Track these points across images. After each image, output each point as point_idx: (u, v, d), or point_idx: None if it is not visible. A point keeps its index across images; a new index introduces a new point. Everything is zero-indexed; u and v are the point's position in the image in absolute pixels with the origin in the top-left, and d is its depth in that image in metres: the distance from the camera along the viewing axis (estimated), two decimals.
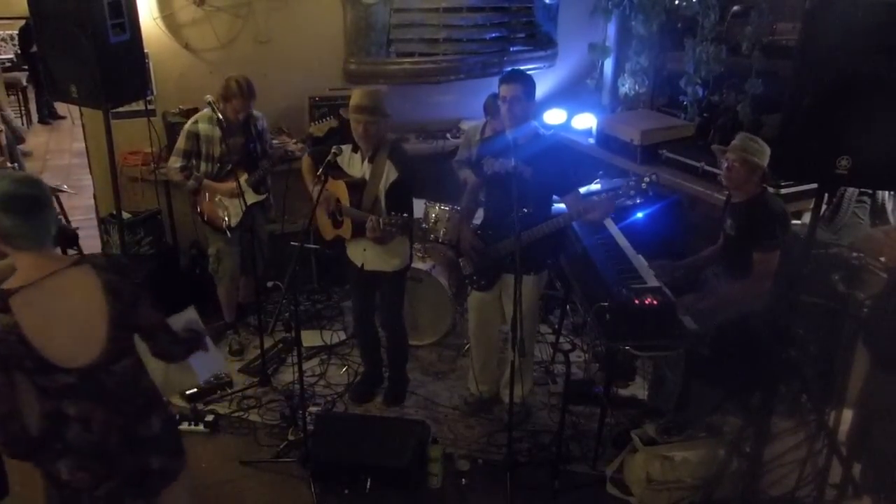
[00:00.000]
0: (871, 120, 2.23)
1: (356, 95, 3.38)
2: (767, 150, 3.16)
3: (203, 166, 4.03)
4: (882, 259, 2.88)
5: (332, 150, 3.25)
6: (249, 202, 4.00)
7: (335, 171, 3.44)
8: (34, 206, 1.86)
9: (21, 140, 8.32)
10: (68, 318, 1.89)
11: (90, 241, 5.51)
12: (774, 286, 3.13)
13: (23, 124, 9.47)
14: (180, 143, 3.99)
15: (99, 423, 1.98)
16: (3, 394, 1.84)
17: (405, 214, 3.26)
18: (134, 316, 2.00)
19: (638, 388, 3.97)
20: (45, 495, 2.10)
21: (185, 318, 2.47)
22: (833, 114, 2.27)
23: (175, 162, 4.01)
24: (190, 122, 3.99)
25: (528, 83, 3.25)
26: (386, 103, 3.40)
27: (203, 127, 3.94)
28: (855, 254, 3.25)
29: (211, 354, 2.49)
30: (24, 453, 1.96)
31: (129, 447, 2.04)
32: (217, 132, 3.89)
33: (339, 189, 3.47)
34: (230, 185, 3.94)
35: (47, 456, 1.97)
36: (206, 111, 3.87)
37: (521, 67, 5.23)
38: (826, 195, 2.55)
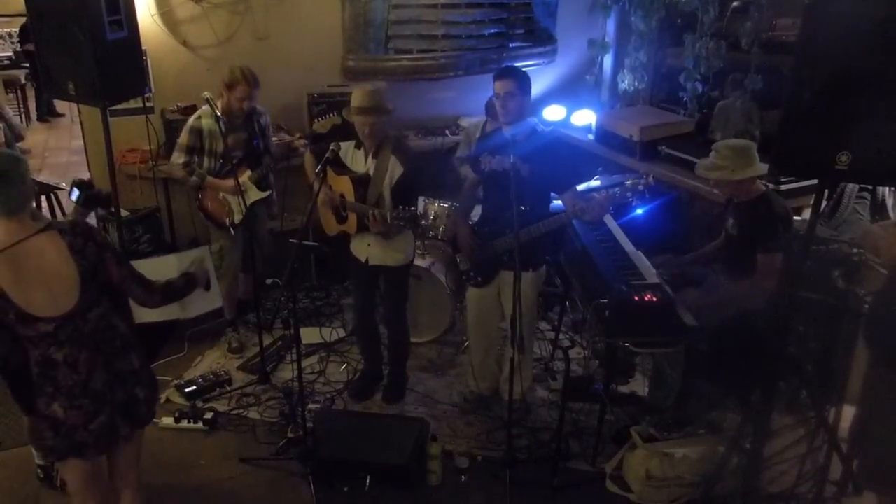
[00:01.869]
0: (871, 115, 2.22)
1: (357, 96, 3.35)
2: (744, 152, 3.13)
3: (206, 162, 3.99)
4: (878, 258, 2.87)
5: (331, 147, 3.24)
6: (253, 199, 3.98)
7: (339, 166, 3.44)
8: (3, 178, 2.11)
9: (20, 138, 8.29)
10: (42, 275, 2.18)
11: None
12: (775, 283, 3.12)
13: (22, 122, 9.44)
14: (183, 138, 3.95)
15: (84, 363, 2.28)
16: None
17: (412, 208, 3.25)
18: (99, 271, 2.29)
19: (638, 385, 3.97)
20: (36, 442, 2.36)
21: (192, 258, 2.73)
22: (833, 109, 2.26)
23: (178, 158, 3.97)
24: (193, 117, 3.96)
25: (521, 78, 3.23)
26: (387, 99, 3.39)
27: (206, 122, 3.90)
28: (855, 250, 3.25)
29: (211, 293, 2.76)
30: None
31: (114, 381, 2.34)
32: (222, 129, 3.86)
33: (343, 184, 3.46)
34: (233, 182, 3.92)
35: (43, 400, 2.26)
36: (208, 107, 3.85)
37: (520, 64, 5.21)
38: (826, 191, 2.55)
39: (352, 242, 3.64)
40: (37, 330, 2.20)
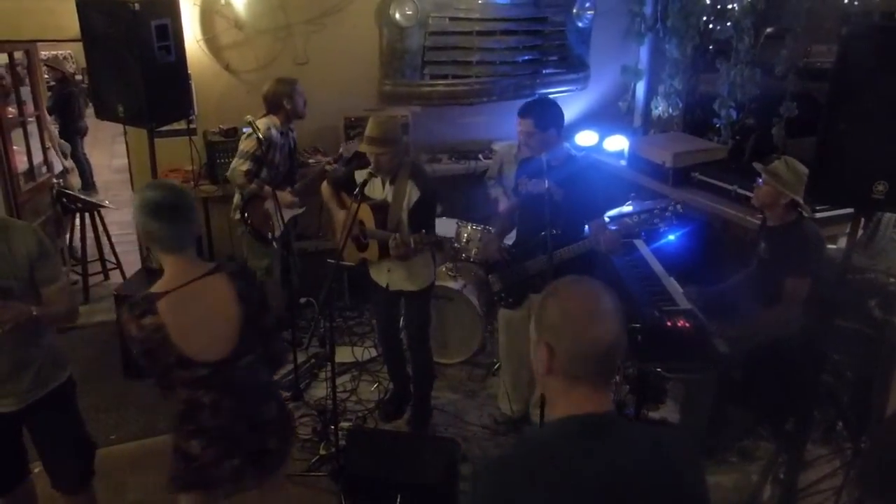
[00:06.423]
0: None
1: (368, 126, 3.38)
2: (803, 179, 3.11)
3: (265, 172, 4.02)
4: None
5: (354, 172, 3.32)
6: (289, 215, 4.09)
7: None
8: (175, 212, 2.08)
9: (65, 156, 8.53)
10: (206, 319, 2.14)
11: (131, 256, 5.67)
12: (809, 311, 3.09)
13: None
14: (250, 146, 3.96)
15: (227, 409, 2.23)
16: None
17: (429, 233, 3.30)
18: (258, 319, 2.26)
19: (669, 411, 3.93)
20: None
21: None
22: (869, 138, 2.27)
23: (243, 165, 3.98)
24: (264, 128, 3.95)
25: (539, 116, 3.25)
26: (399, 130, 3.43)
27: (275, 133, 4.03)
28: (892, 279, 3.21)
29: None
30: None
31: (252, 430, 2.30)
32: (281, 141, 4.03)
33: (363, 212, 3.49)
34: (288, 195, 4.08)
35: (181, 435, 2.25)
36: (271, 119, 4.03)
37: (553, 90, 5.29)
38: (862, 220, 2.53)
39: (371, 269, 3.67)
40: (193, 374, 2.16)
